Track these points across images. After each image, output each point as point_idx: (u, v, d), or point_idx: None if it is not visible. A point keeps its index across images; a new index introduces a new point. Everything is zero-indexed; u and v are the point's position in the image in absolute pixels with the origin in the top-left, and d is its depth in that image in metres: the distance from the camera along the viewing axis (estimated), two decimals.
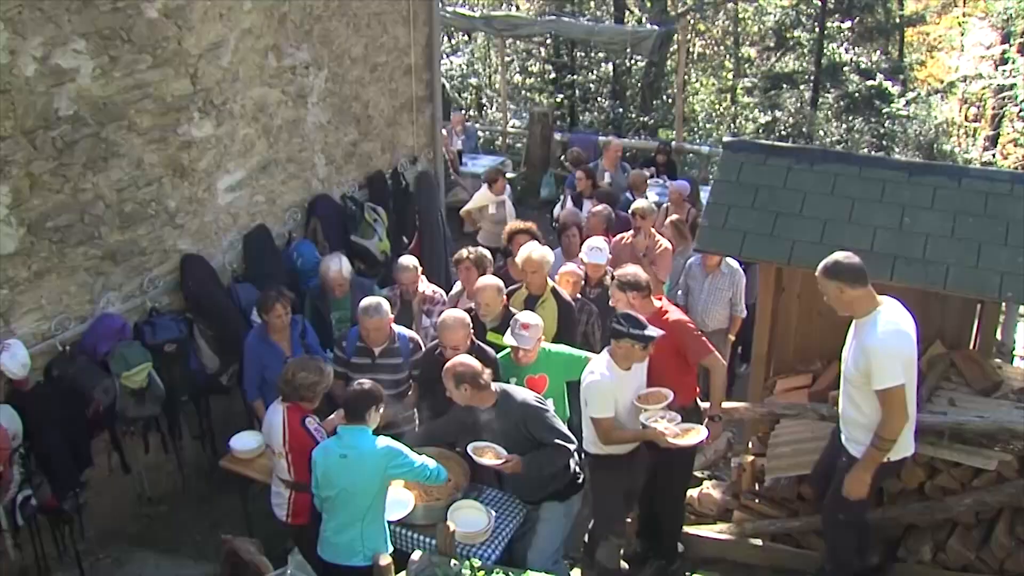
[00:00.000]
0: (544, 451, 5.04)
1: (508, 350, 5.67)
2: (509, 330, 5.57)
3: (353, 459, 4.65)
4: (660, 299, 5.68)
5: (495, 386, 5.11)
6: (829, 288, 4.61)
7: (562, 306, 6.28)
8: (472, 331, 5.64)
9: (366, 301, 5.80)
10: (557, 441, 5.03)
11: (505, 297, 6.16)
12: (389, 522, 4.96)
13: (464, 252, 6.79)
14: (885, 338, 4.47)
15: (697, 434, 5.07)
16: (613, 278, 5.66)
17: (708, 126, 18.25)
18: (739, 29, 19.32)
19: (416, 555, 4.62)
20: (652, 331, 4.96)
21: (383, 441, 4.74)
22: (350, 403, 4.76)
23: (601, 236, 7.51)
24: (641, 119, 16.87)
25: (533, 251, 6.40)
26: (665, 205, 9.54)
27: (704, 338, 5.65)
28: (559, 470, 5.15)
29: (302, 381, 5.09)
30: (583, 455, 5.32)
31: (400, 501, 5.08)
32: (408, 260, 6.74)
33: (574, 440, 5.18)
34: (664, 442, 4.98)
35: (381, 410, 4.83)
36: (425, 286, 6.77)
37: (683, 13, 16.70)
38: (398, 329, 5.97)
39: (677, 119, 14.11)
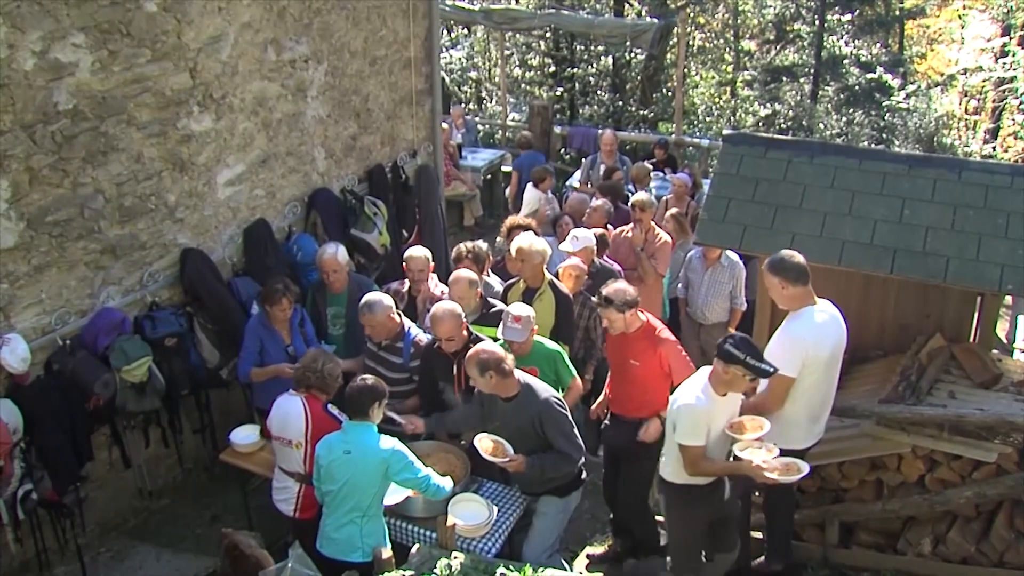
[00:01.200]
0: (550, 455, 5.02)
1: (502, 340, 5.67)
2: (501, 323, 5.59)
3: (356, 456, 4.65)
4: (643, 312, 5.58)
5: (519, 376, 5.09)
6: (773, 282, 4.85)
7: (559, 299, 6.28)
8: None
9: (364, 298, 5.82)
10: (567, 451, 5.01)
11: (480, 290, 6.17)
12: (387, 511, 4.96)
13: (463, 248, 6.77)
14: (800, 333, 4.78)
15: (799, 471, 4.60)
16: (606, 299, 5.40)
17: (708, 119, 18.18)
18: (739, 22, 19.25)
19: (416, 548, 4.64)
20: (770, 364, 4.55)
21: (388, 442, 4.72)
22: (352, 398, 4.75)
23: (599, 229, 7.52)
24: (641, 112, 16.84)
25: (524, 241, 6.41)
26: (665, 198, 9.53)
27: (688, 359, 5.65)
28: None
29: (330, 372, 5.13)
30: (660, 483, 5.03)
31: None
32: (420, 251, 6.68)
33: (583, 449, 5.15)
34: (761, 477, 4.64)
35: (384, 406, 4.83)
36: (434, 285, 6.72)
37: (683, 6, 16.67)
38: (412, 330, 5.95)
39: (677, 112, 14.08)
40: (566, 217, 7.97)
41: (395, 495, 5.02)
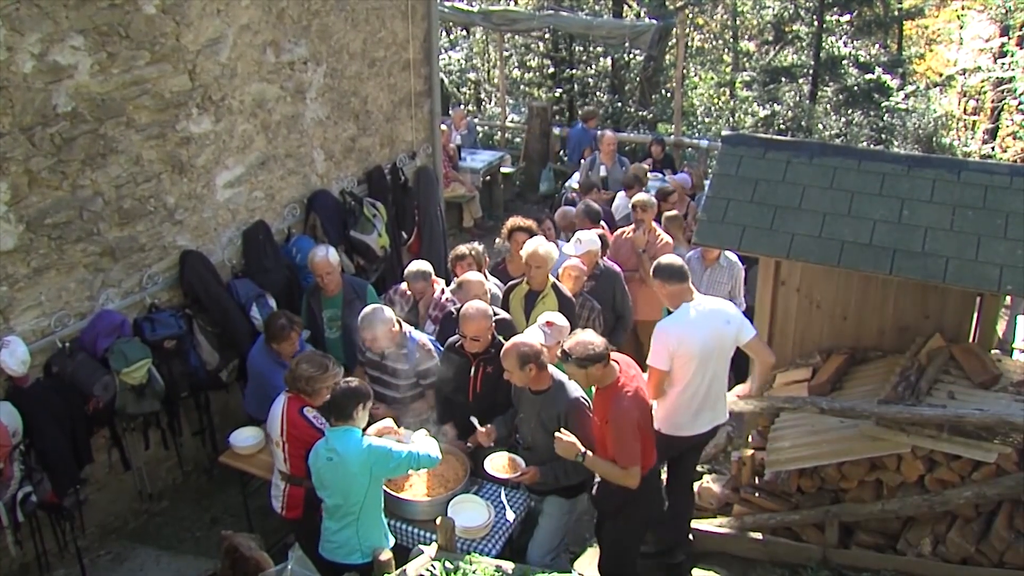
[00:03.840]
0: (565, 462, 5.00)
1: None
2: (535, 324, 5.61)
3: (337, 461, 4.66)
4: (626, 367, 4.94)
5: (552, 370, 5.08)
6: (655, 283, 5.35)
7: (563, 301, 6.29)
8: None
9: (363, 313, 5.81)
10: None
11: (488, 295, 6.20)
12: (387, 512, 4.96)
13: (465, 249, 6.75)
14: (667, 327, 5.17)
15: None
16: (564, 353, 4.80)
17: (707, 120, 18.16)
18: (738, 23, 19.26)
19: (417, 550, 4.64)
20: None
21: (367, 441, 4.71)
22: (336, 401, 4.75)
23: (592, 229, 7.48)
24: (640, 113, 16.84)
25: (540, 246, 6.42)
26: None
27: (632, 447, 4.78)
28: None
29: (301, 373, 5.09)
30: None
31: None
32: (420, 266, 6.61)
33: None
34: None
35: (368, 408, 4.81)
36: (439, 290, 6.67)
37: (681, 7, 16.67)
38: (414, 334, 5.93)
39: (676, 113, 14.08)
40: (548, 221, 7.94)
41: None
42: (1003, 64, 18.09)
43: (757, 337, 5.46)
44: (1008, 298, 7.36)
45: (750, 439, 6.12)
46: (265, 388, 5.75)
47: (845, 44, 17.27)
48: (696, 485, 6.25)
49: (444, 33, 19.17)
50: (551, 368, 5.07)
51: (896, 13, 18.12)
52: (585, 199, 8.47)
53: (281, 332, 5.87)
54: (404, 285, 6.76)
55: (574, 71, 18.30)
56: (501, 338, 5.61)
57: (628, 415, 4.70)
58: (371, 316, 5.74)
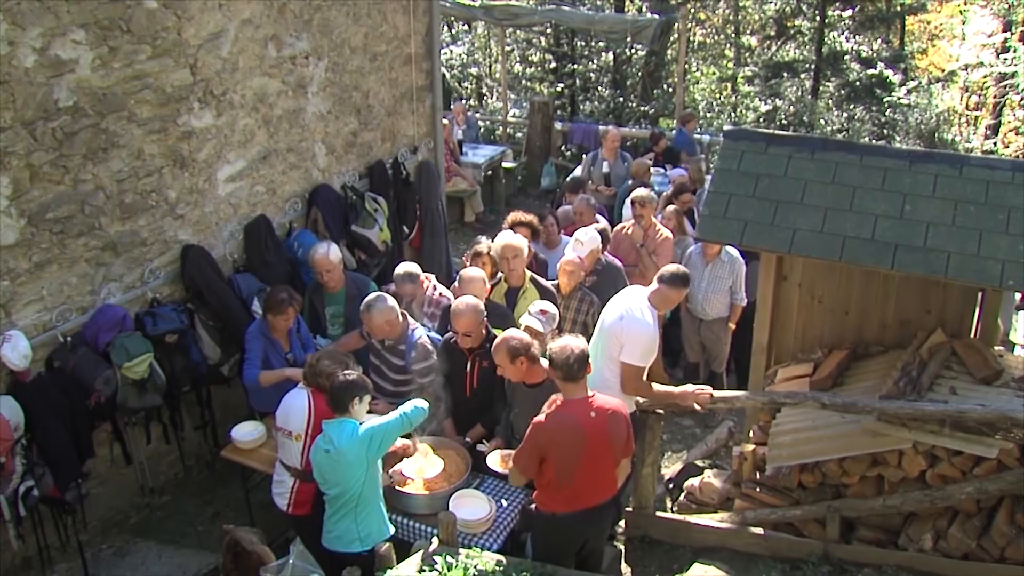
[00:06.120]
0: None
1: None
2: (527, 313, 5.62)
3: (334, 453, 4.67)
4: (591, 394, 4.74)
5: (545, 363, 5.06)
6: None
7: (544, 294, 6.30)
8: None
9: (366, 298, 5.81)
10: None
11: (489, 289, 6.20)
12: (389, 507, 4.97)
13: (483, 247, 6.71)
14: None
15: None
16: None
17: (709, 115, 18.17)
18: (740, 18, 19.25)
19: (419, 544, 4.65)
20: None
21: (363, 427, 4.72)
22: (334, 393, 4.76)
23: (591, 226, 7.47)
24: (642, 108, 16.83)
25: (511, 238, 6.41)
26: (665, 193, 9.52)
27: (521, 454, 4.74)
28: None
29: (323, 369, 5.10)
30: None
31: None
32: (407, 268, 6.49)
33: None
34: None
35: (366, 401, 4.82)
36: (431, 288, 6.63)
37: (683, 2, 16.63)
38: (416, 332, 5.88)
39: (678, 108, 14.06)
40: (551, 218, 7.92)
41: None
42: (1005, 59, 18.08)
43: (628, 365, 5.36)
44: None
45: (751, 434, 6.13)
46: (258, 351, 5.97)
47: (847, 39, 17.26)
48: (698, 480, 6.26)
49: (446, 27, 19.15)
50: (544, 362, 5.06)
51: (898, 8, 18.09)
52: (582, 194, 8.44)
53: (279, 304, 5.92)
54: (394, 286, 6.65)
55: (576, 66, 18.28)
56: (497, 331, 5.62)
57: (539, 430, 4.57)
58: (370, 303, 5.74)
